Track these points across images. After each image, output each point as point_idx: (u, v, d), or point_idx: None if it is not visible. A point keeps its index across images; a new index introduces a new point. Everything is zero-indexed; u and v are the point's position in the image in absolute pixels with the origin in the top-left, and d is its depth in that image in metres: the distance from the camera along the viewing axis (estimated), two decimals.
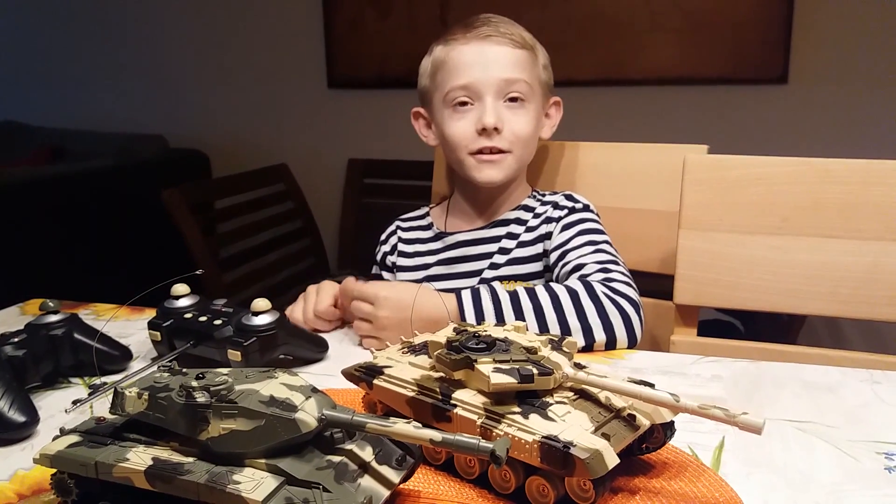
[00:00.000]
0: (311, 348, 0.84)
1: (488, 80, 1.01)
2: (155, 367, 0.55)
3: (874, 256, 0.93)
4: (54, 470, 0.51)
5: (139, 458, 0.48)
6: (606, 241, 1.00)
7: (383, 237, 1.19)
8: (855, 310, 0.95)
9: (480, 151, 1.02)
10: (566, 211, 1.05)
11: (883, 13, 2.10)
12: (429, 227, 1.16)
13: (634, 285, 0.91)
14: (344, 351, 0.87)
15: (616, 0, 2.31)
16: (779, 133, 2.23)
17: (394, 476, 0.49)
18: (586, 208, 1.06)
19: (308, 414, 0.48)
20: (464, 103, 1.03)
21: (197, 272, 0.73)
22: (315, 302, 0.94)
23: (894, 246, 0.93)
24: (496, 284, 0.92)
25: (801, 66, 2.18)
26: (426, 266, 1.12)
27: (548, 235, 1.04)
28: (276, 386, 0.50)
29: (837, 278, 0.95)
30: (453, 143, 1.05)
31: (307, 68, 2.73)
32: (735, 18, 2.20)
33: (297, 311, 0.95)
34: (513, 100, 1.02)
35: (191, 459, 0.48)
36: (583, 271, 0.94)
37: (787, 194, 0.97)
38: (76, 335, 0.77)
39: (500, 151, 1.02)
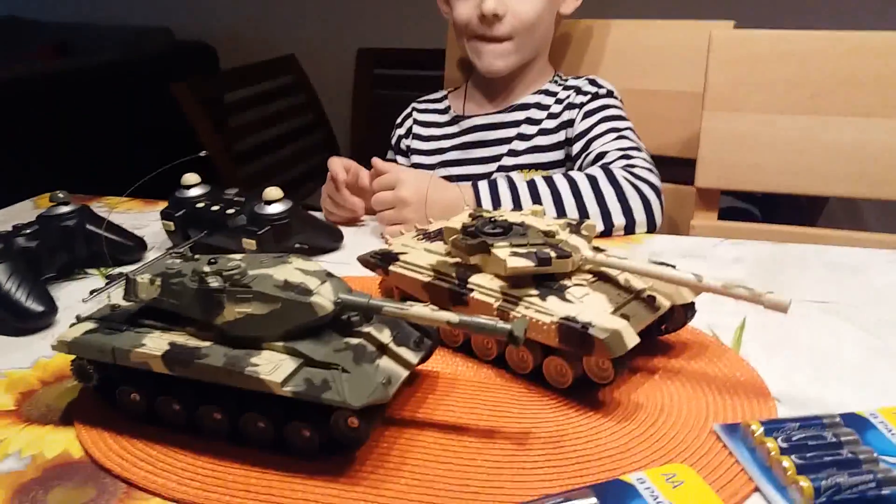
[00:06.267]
0: (326, 237, 0.83)
1: None
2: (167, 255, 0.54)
3: None
4: (74, 357, 0.51)
5: (156, 343, 0.48)
6: (629, 128, 0.97)
7: (399, 120, 1.16)
8: (883, 191, 0.92)
9: (482, 38, 0.98)
10: (589, 97, 1.01)
11: None
12: (446, 110, 1.12)
13: (656, 171, 0.89)
14: (359, 240, 0.86)
15: None
16: (811, 4, 2.11)
17: (412, 357, 0.49)
18: (609, 94, 1.02)
19: (324, 297, 0.47)
20: None
21: (201, 154, 0.71)
22: (330, 179, 0.91)
23: None
24: (513, 174, 0.90)
25: None
26: (441, 150, 1.09)
27: (570, 123, 1.01)
28: (290, 271, 0.49)
29: (866, 158, 0.92)
30: (457, 27, 1.01)
31: None
32: None
33: (326, 197, 0.93)
34: None
35: (208, 344, 0.48)
36: (604, 159, 0.91)
37: (818, 71, 0.93)
38: (88, 226, 0.77)
39: (502, 40, 0.97)
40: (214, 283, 0.47)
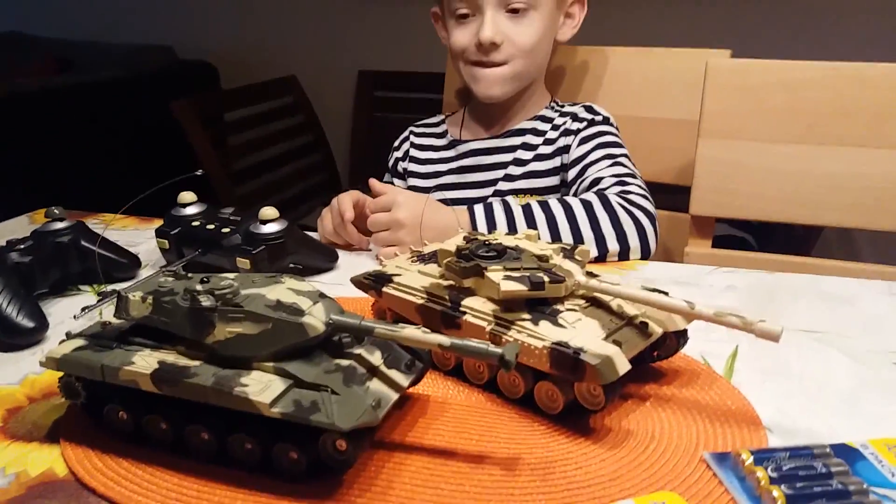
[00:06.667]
0: (320, 258, 0.83)
1: None
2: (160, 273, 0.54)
3: None
4: (62, 373, 0.51)
5: (145, 361, 0.48)
6: (625, 155, 0.97)
7: (396, 143, 1.17)
8: (877, 221, 0.92)
9: (479, 64, 0.99)
10: (585, 123, 1.01)
11: None
12: (443, 134, 1.13)
13: (651, 198, 0.89)
14: (354, 261, 0.86)
15: None
16: (808, 36, 2.12)
17: (403, 380, 0.49)
18: (606, 121, 1.02)
19: (315, 318, 0.47)
20: (464, 14, 0.98)
21: (197, 172, 0.71)
22: (338, 212, 0.90)
23: None
24: (509, 198, 0.90)
25: None
26: (438, 174, 1.10)
27: (566, 149, 1.01)
28: (282, 290, 0.49)
29: (861, 188, 0.92)
30: (454, 54, 1.02)
31: None
32: None
33: (327, 223, 0.92)
34: (515, 10, 0.97)
35: (197, 363, 0.47)
36: (599, 185, 0.92)
37: (814, 101, 0.94)
38: (83, 242, 0.76)
39: (499, 65, 0.98)
40: (206, 301, 0.47)
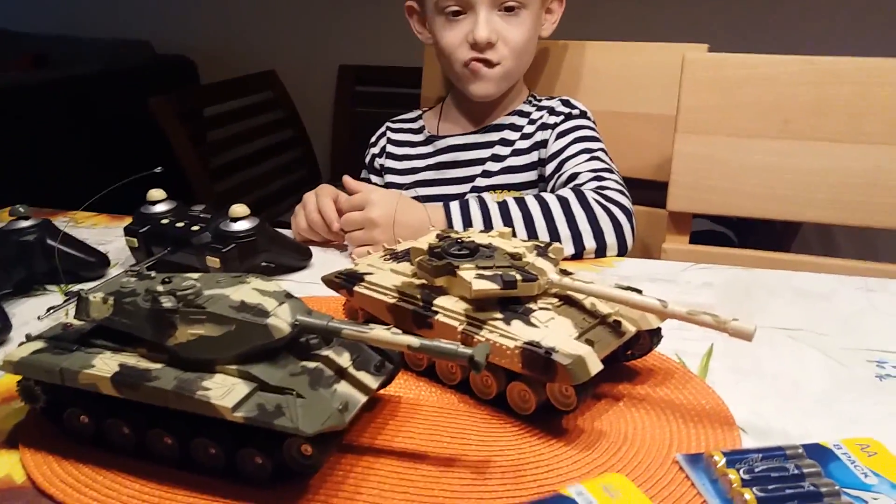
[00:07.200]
0: (293, 256, 0.82)
1: None
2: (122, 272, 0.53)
3: (877, 161, 0.90)
4: (21, 377, 0.50)
5: (105, 364, 0.46)
6: (602, 150, 0.97)
7: (373, 139, 1.15)
8: (854, 217, 0.92)
9: (473, 62, 0.98)
10: (562, 117, 1.01)
11: None
12: (420, 130, 1.12)
13: (628, 194, 0.89)
14: (328, 259, 0.85)
15: None
16: (784, 31, 2.13)
17: (372, 382, 0.48)
18: (583, 115, 1.02)
19: (281, 319, 0.46)
20: (456, 12, 0.97)
21: (156, 170, 0.69)
22: (314, 207, 0.88)
23: None
24: (485, 194, 0.89)
25: None
26: (415, 170, 1.08)
27: (543, 143, 1.01)
28: (247, 291, 0.47)
29: (838, 184, 0.92)
30: (445, 53, 1.00)
31: None
32: None
33: (301, 220, 0.90)
34: (509, 8, 0.96)
35: (159, 366, 0.46)
36: (576, 181, 0.91)
37: (791, 96, 0.93)
38: (48, 241, 0.75)
39: (493, 65, 0.97)
40: (167, 303, 0.46)
